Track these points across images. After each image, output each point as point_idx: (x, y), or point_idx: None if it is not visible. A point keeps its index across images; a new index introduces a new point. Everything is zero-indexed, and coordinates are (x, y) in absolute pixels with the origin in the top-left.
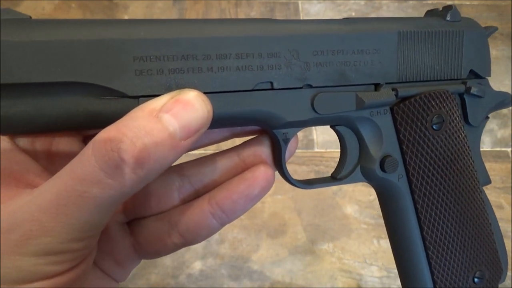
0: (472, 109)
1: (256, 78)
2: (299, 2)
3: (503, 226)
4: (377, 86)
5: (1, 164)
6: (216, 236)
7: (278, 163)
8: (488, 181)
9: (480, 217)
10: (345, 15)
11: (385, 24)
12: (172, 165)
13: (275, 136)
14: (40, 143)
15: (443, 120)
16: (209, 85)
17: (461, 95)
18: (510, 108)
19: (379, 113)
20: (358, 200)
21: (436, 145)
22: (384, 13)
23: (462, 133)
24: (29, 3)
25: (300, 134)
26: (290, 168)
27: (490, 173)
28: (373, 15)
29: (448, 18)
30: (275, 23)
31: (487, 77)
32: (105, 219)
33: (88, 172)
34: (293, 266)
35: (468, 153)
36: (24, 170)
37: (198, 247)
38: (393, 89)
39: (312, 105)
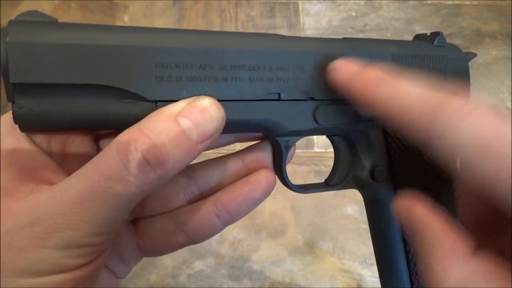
0: None
1: (266, 89)
2: (299, 2)
3: None
4: None
5: (18, 160)
6: (216, 236)
7: (279, 168)
8: None
9: None
10: (345, 15)
11: (381, 45)
12: None
13: (277, 143)
14: (55, 142)
15: None
16: (223, 93)
17: None
18: (510, 107)
19: (372, 126)
20: (358, 200)
21: (422, 158)
22: (384, 13)
23: None
24: (29, 3)
25: None
26: (290, 168)
27: None
28: (373, 15)
29: (435, 43)
30: (285, 39)
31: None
32: (124, 215)
33: (113, 170)
34: (293, 266)
35: None
36: (41, 167)
37: (198, 247)
38: None
39: (314, 116)
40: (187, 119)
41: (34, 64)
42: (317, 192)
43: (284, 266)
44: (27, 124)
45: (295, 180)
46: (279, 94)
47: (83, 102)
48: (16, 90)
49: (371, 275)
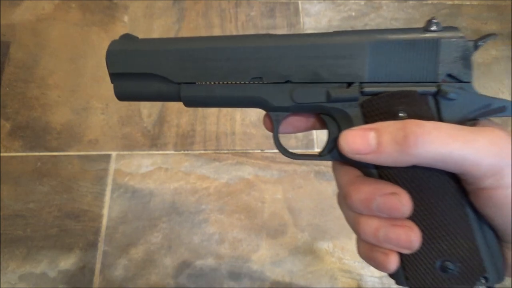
0: (447, 110)
1: (251, 74)
2: (299, 2)
3: None
4: (349, 85)
5: None
6: (216, 236)
7: (274, 138)
8: None
9: (453, 210)
10: (345, 15)
11: (359, 36)
12: None
13: (269, 116)
14: None
15: (408, 117)
16: (223, 78)
17: (435, 97)
18: (510, 109)
19: (350, 105)
20: None
21: None
22: (384, 13)
23: None
24: (29, 3)
25: (300, 134)
26: (291, 168)
27: None
28: (372, 15)
29: (429, 28)
30: (271, 37)
31: (470, 82)
32: None
33: None
34: (293, 266)
35: None
36: None
37: (198, 247)
38: (361, 88)
39: (291, 96)
40: None
41: (121, 62)
42: (309, 160)
43: (284, 266)
44: (121, 98)
45: (295, 180)
46: (261, 78)
47: (147, 84)
48: (112, 77)
49: (371, 275)
